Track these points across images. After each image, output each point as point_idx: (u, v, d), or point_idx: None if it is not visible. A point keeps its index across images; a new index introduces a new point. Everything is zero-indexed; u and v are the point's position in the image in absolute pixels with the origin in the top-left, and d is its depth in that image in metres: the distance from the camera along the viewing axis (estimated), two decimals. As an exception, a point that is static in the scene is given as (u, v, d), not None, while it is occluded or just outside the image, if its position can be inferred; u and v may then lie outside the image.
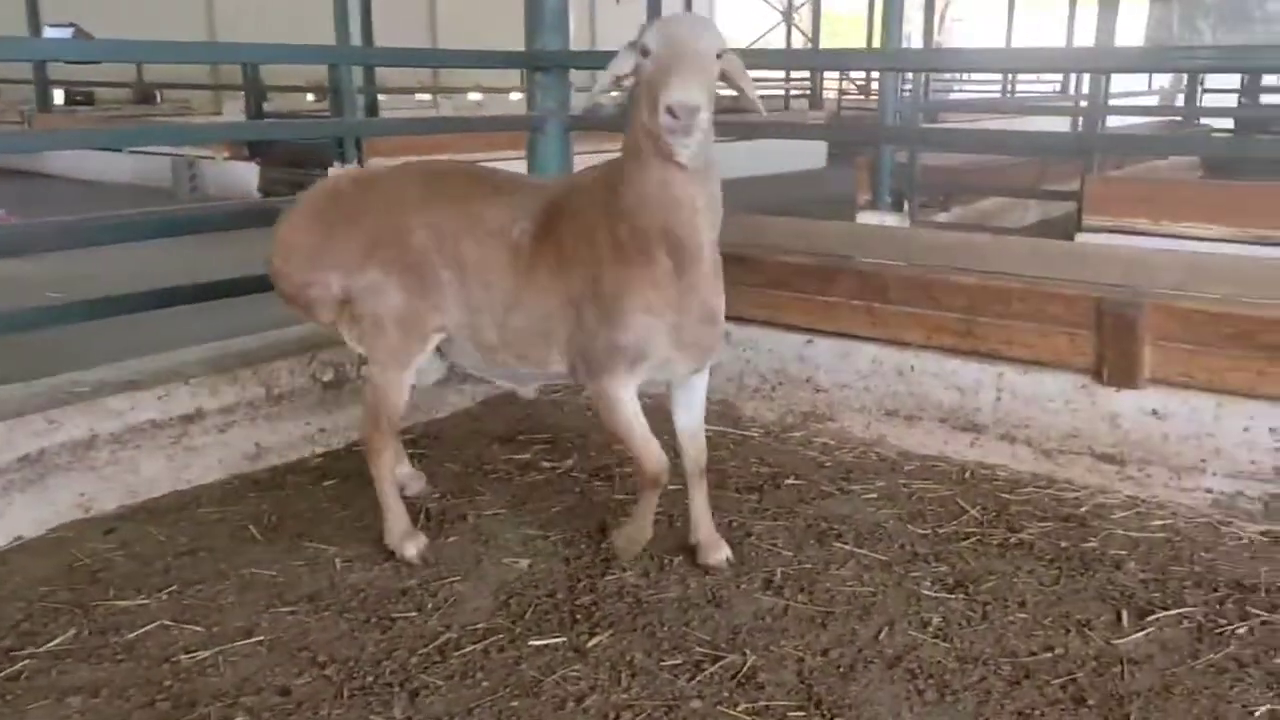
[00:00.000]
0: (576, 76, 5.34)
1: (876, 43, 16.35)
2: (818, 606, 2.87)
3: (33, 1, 15.61)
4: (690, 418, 3.10)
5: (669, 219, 2.59)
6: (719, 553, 3.07)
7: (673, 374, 2.93)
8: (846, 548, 3.22)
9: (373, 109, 13.95)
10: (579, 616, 2.79)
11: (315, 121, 12.16)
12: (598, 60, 4.77)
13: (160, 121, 16.10)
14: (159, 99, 19.68)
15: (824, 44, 25.84)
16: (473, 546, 3.21)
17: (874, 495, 3.61)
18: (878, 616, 2.81)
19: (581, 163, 3.48)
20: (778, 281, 4.21)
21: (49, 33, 15.25)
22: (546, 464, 3.90)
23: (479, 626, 2.74)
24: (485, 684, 2.49)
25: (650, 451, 2.88)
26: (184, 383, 3.55)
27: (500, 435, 4.18)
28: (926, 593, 2.93)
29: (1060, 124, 14.01)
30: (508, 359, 2.97)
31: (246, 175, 12.39)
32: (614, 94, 2.79)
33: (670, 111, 2.30)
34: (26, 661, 2.56)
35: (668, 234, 2.61)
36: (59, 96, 17.82)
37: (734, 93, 2.71)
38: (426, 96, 20.16)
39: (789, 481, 3.73)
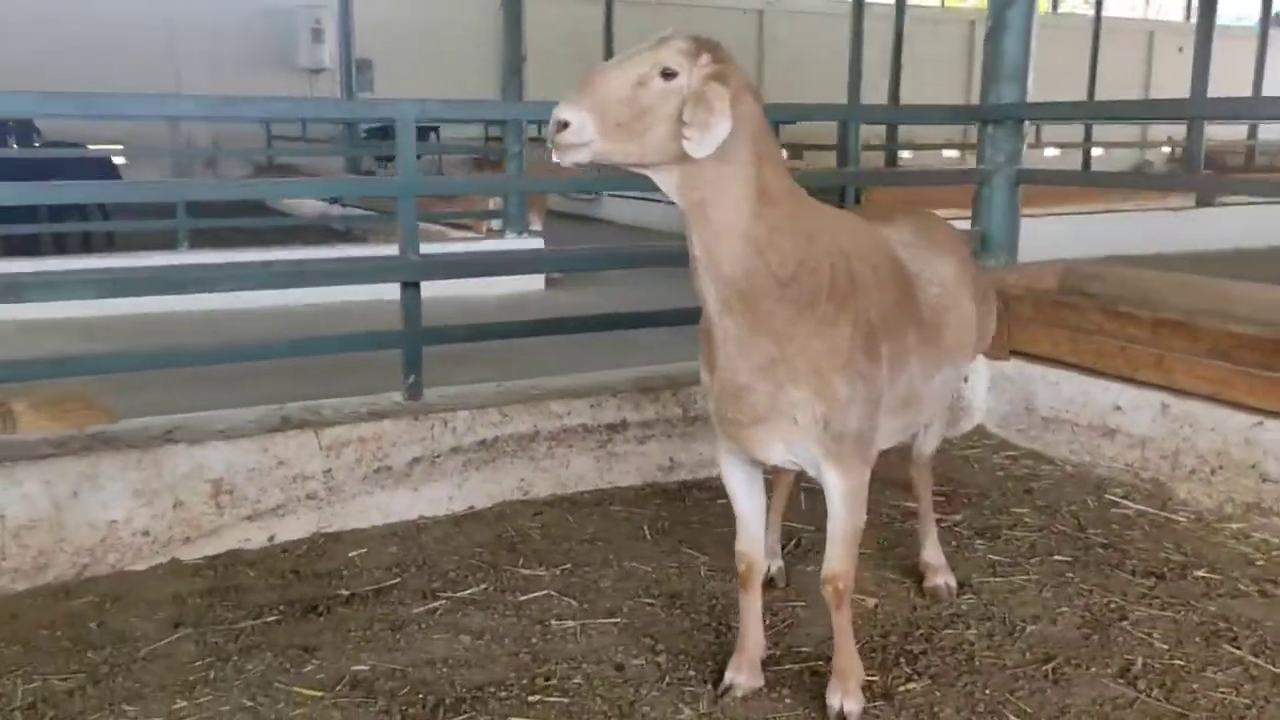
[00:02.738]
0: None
1: None
2: (1174, 707, 2.62)
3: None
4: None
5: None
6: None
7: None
8: (1237, 653, 2.87)
9: (891, 162, 14.34)
10: (903, 660, 2.82)
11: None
12: (1054, 111, 4.65)
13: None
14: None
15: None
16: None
17: (1306, 605, 3.16)
18: (1243, 731, 2.52)
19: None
20: (1221, 352, 3.81)
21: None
22: (936, 515, 3.88)
23: (804, 650, 2.87)
24: (787, 700, 2.63)
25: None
26: (613, 395, 4.07)
27: (901, 482, 4.22)
28: (1317, 719, 2.56)
29: None
30: None
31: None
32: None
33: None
34: (443, 602, 3.16)
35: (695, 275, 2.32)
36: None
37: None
38: (954, 153, 20.12)
39: (1199, 573, 3.37)
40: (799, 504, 3.97)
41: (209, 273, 4.03)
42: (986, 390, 4.83)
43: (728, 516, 3.75)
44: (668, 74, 2.09)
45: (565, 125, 2.07)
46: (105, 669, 2.77)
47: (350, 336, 4.03)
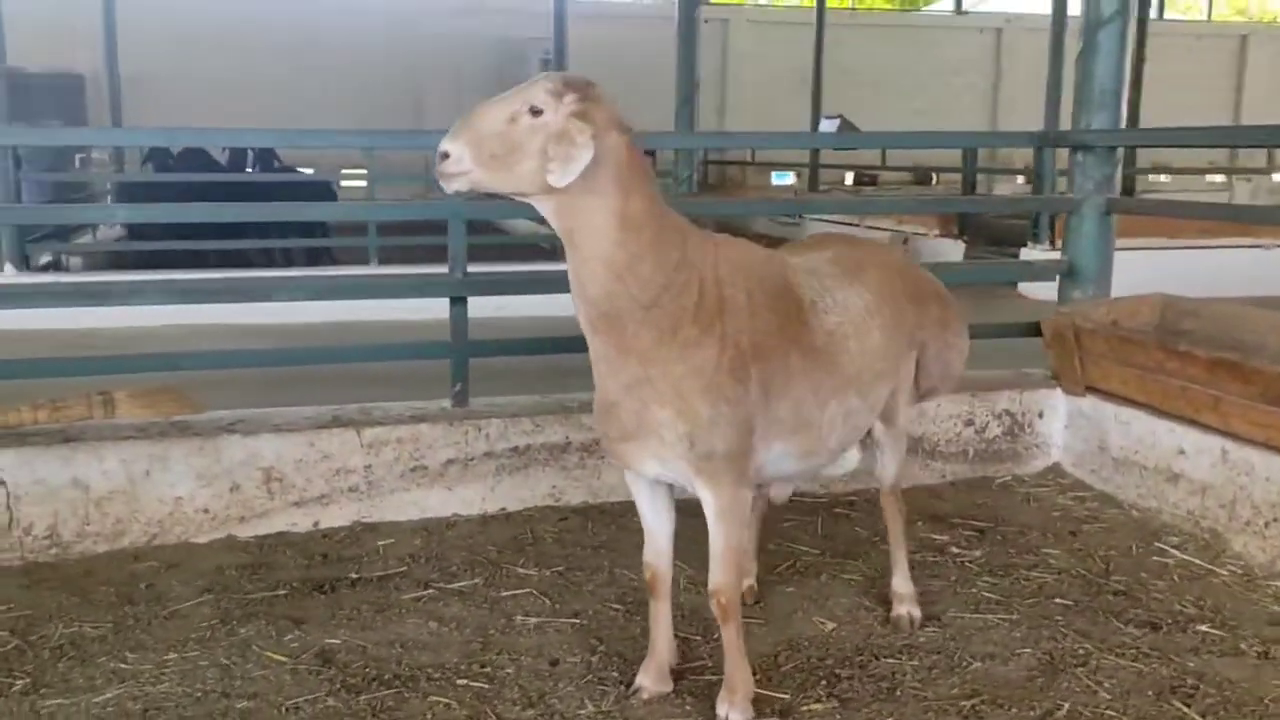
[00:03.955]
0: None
1: None
2: (1084, 756, 2.53)
3: (817, 98, 18.15)
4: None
5: None
6: None
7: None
8: (1184, 711, 2.71)
9: (1129, 190, 13.63)
10: (824, 682, 2.85)
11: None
12: (1141, 139, 4.44)
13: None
14: (934, 180, 21.10)
15: None
16: (801, 601, 3.37)
17: (1302, 672, 2.92)
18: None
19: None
20: (1272, 397, 3.54)
21: (823, 125, 17.60)
22: (956, 549, 3.82)
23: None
24: (687, 708, 2.73)
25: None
26: (645, 412, 4.23)
27: (937, 515, 4.16)
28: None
29: None
30: None
31: (952, 251, 12.98)
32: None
33: None
34: (432, 591, 3.44)
35: None
36: (849, 178, 20.23)
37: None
38: (1220, 178, 18.78)
39: (1201, 628, 3.18)
40: (816, 528, 4.02)
41: (271, 283, 4.54)
42: (1064, 428, 4.64)
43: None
44: (535, 111, 2.28)
45: (446, 156, 2.29)
46: (131, 622, 3.23)
47: (402, 346, 4.42)
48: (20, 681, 2.86)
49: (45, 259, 11.10)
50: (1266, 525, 3.64)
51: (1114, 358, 4.27)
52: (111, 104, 16.42)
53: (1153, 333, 4.45)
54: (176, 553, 3.75)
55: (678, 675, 2.86)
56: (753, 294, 2.50)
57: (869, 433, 3.05)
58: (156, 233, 10.81)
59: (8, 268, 9.10)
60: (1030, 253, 11.43)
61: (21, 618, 3.24)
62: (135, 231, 11.56)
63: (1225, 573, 3.60)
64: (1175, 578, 3.57)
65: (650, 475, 2.60)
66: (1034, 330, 4.72)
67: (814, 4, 19.19)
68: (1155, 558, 3.74)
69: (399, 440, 3.99)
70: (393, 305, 5.56)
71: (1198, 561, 3.69)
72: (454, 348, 4.16)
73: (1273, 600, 3.40)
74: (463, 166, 2.29)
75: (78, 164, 14.26)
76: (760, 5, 27.44)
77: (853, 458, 3.15)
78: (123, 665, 2.95)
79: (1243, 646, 3.07)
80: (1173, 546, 3.82)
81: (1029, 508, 4.28)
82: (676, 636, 3.04)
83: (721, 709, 2.63)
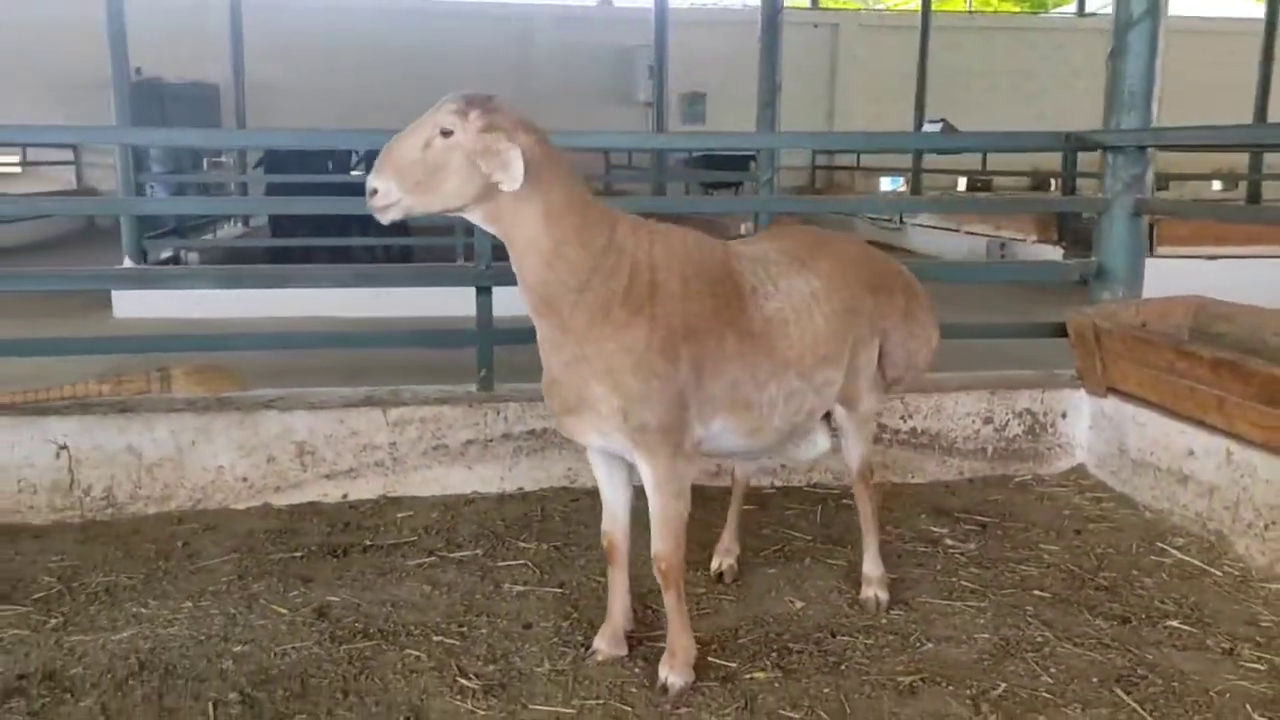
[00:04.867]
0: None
1: None
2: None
3: (921, 101, 17.95)
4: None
5: None
6: None
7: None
8: (1123, 699, 2.75)
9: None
10: (774, 654, 2.97)
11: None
12: (1179, 138, 4.40)
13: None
14: (1052, 186, 20.53)
15: None
16: (779, 581, 3.49)
17: (1263, 668, 2.92)
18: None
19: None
20: (1270, 398, 3.50)
21: (926, 129, 17.39)
22: (950, 542, 3.87)
23: (697, 634, 3.06)
24: (637, 671, 2.89)
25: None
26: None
27: (944, 509, 4.21)
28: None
29: None
30: None
31: (1050, 255, 12.74)
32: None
33: None
34: (434, 559, 3.68)
35: None
36: (961, 183, 19.89)
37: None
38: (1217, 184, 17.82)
39: (1173, 624, 3.18)
40: (816, 516, 4.13)
41: (305, 273, 4.85)
42: (1088, 428, 4.62)
43: (751, 522, 3.99)
44: (445, 133, 2.47)
45: (375, 192, 2.48)
46: (160, 574, 3.55)
47: (432, 333, 4.68)
48: (54, 620, 3.21)
49: (166, 254, 11.86)
50: (1266, 528, 3.60)
51: (1131, 358, 4.25)
52: (237, 110, 17.33)
53: (1173, 334, 4.40)
54: (216, 517, 4.08)
55: (637, 640, 3.02)
56: (688, 279, 2.65)
57: (830, 417, 3.16)
58: (293, 229, 11.37)
59: (126, 261, 9.81)
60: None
61: (70, 567, 3.60)
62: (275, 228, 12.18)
63: (1220, 574, 3.58)
64: (1166, 576, 3.57)
65: (595, 447, 2.78)
66: (1062, 331, 4.71)
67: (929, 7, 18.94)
68: (1153, 557, 3.73)
69: (422, 420, 4.25)
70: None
71: (1196, 562, 3.67)
72: (479, 334, 4.41)
73: (1260, 602, 3.36)
74: (392, 198, 2.48)
75: (205, 166, 15.15)
76: (874, 10, 27.24)
77: (822, 442, 3.26)
78: (143, 610, 3.27)
79: (1209, 643, 3.07)
80: (1175, 547, 3.80)
81: (1041, 506, 4.29)
82: (648, 609, 3.21)
83: (662, 671, 2.78)
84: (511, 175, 2.45)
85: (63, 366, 4.94)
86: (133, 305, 8.78)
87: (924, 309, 3.24)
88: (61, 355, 4.99)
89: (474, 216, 2.58)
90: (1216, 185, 17.64)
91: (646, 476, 2.69)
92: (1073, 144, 4.67)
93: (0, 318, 8.97)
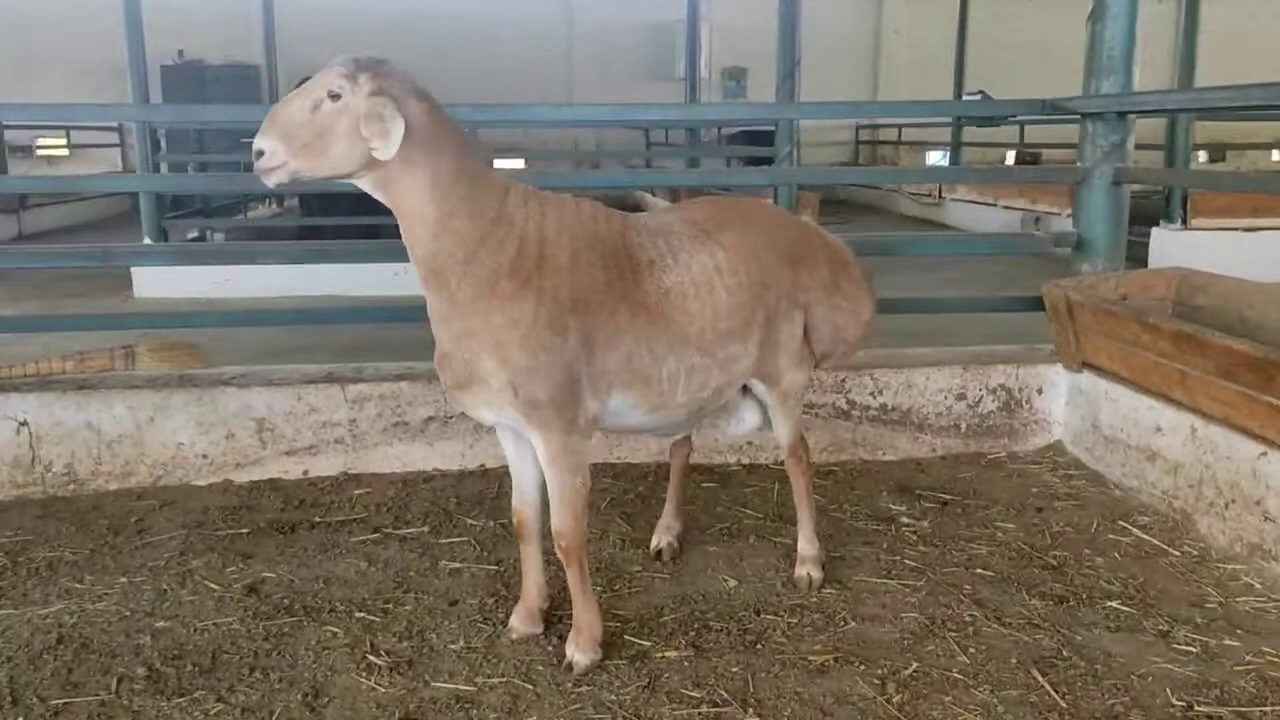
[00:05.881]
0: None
1: None
2: (895, 713, 2.53)
3: (960, 73, 17.60)
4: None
5: None
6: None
7: None
8: (1037, 681, 2.66)
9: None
10: (691, 633, 2.93)
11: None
12: (1159, 102, 4.25)
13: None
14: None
15: None
16: (717, 560, 3.44)
17: (1195, 650, 2.81)
18: None
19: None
20: (1226, 372, 3.36)
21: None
22: (906, 520, 3.79)
23: (620, 613, 3.05)
24: (550, 649, 2.87)
25: None
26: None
27: (907, 487, 4.12)
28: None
29: None
30: None
31: (1081, 228, 12.45)
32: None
33: None
34: (377, 535, 3.67)
35: None
36: (1009, 157, 19.47)
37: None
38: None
39: (1112, 604, 3.09)
40: (773, 494, 4.06)
41: (261, 249, 4.87)
42: (1065, 404, 4.50)
43: (707, 499, 3.96)
44: (334, 95, 2.42)
45: (261, 154, 2.45)
46: (106, 549, 3.59)
47: (390, 309, 4.66)
48: (-11, 594, 3.26)
49: (192, 234, 12.02)
50: (1227, 506, 3.47)
51: (1101, 331, 4.11)
52: (269, 92, 17.50)
53: (1156, 307, 4.25)
54: (175, 493, 4.12)
55: (555, 619, 3.00)
56: (578, 251, 2.60)
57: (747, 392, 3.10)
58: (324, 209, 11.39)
59: (145, 240, 9.97)
60: (1162, 232, 10.87)
61: (21, 542, 3.65)
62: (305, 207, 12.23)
63: (1178, 554, 3.46)
64: (1119, 556, 3.46)
65: (489, 422, 2.74)
66: (1040, 304, 4.58)
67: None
68: (1112, 536, 3.62)
69: (381, 397, 4.25)
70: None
71: (1155, 542, 3.56)
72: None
73: (1212, 583, 3.25)
74: (277, 160, 2.43)
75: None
76: (917, -19, 26.68)
77: (749, 419, 3.20)
78: (78, 585, 3.30)
79: (1146, 624, 2.97)
80: (1138, 526, 3.68)
81: (1009, 483, 4.18)
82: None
83: (568, 649, 2.75)
84: (388, 144, 2.40)
85: (76, 344, 5.01)
86: (153, 284, 8.93)
87: (852, 281, 3.14)
88: (36, 331, 5.05)
89: (364, 184, 2.54)
90: (1276, 155, 17.15)
91: (541, 452, 2.65)
92: (1048, 111, 4.50)
93: (30, 298, 9.24)
